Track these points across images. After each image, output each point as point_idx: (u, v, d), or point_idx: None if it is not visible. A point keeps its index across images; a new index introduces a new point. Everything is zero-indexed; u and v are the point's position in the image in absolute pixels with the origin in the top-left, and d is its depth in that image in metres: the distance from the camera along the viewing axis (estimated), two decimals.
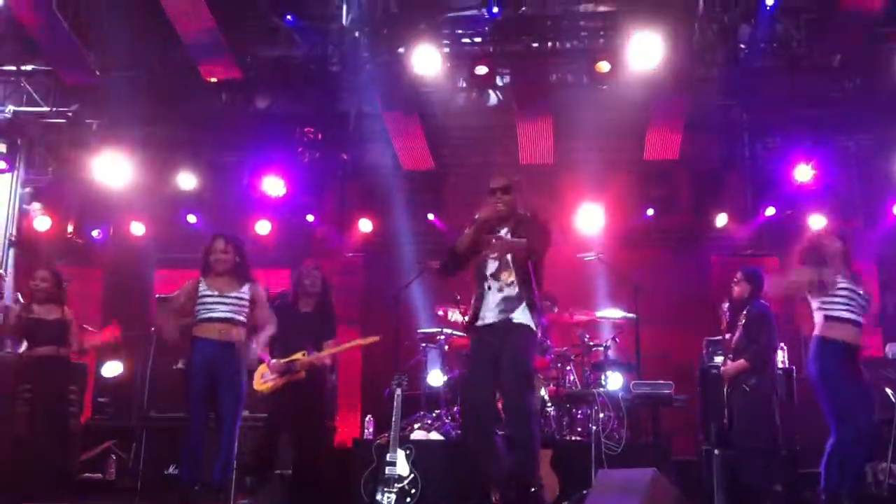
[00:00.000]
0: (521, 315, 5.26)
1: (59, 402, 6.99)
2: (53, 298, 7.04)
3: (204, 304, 6.15)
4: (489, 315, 5.30)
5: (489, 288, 5.32)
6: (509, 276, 5.28)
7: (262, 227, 10.25)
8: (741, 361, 6.85)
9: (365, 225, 10.37)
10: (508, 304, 5.26)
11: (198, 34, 8.69)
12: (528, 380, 5.33)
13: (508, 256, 5.28)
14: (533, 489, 4.98)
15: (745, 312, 6.99)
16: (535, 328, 5.29)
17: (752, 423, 6.77)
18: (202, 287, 6.20)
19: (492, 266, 5.32)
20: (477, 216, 5.33)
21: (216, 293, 6.16)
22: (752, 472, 6.66)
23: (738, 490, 6.82)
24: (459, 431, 7.78)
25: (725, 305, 7.35)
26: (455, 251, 5.42)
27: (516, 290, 5.26)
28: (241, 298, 6.21)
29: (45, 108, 10.14)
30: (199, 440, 6.01)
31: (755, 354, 6.82)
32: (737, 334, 7.02)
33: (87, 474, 7.80)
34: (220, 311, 6.13)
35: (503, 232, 5.39)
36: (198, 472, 6.01)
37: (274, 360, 6.65)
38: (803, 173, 9.16)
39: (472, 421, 5.34)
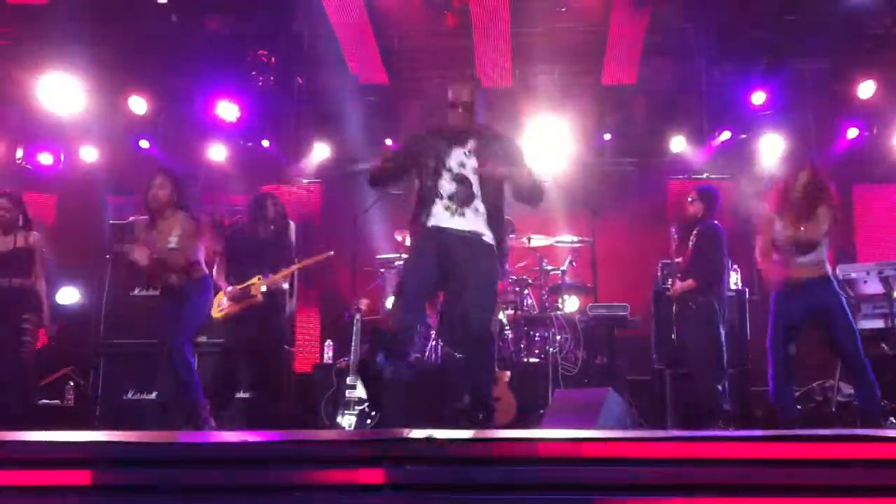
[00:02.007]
0: (488, 235, 4.83)
1: (14, 332, 6.91)
2: (15, 226, 6.94)
3: None
4: (445, 221, 4.79)
5: (446, 209, 4.80)
6: (476, 202, 4.81)
7: (217, 153, 10.11)
8: (689, 281, 6.81)
9: (321, 150, 10.27)
10: (475, 226, 4.80)
11: None
12: (494, 306, 5.16)
13: (476, 180, 4.81)
14: (489, 411, 4.79)
15: (695, 232, 6.95)
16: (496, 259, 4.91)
17: (698, 343, 6.82)
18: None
19: (449, 187, 4.80)
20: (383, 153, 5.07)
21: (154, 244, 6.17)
22: (703, 391, 6.78)
23: (691, 408, 6.97)
24: (418, 355, 7.87)
25: (673, 229, 7.37)
26: (381, 170, 5.03)
27: (483, 217, 4.81)
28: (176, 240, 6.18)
29: None
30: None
31: (702, 274, 6.77)
32: (687, 254, 7.03)
33: (44, 401, 7.78)
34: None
35: (464, 150, 4.87)
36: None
37: (230, 287, 6.64)
38: (758, 96, 9.20)
39: (402, 331, 4.81)
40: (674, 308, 7.06)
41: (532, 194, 4.94)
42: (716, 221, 6.94)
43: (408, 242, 8.47)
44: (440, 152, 4.86)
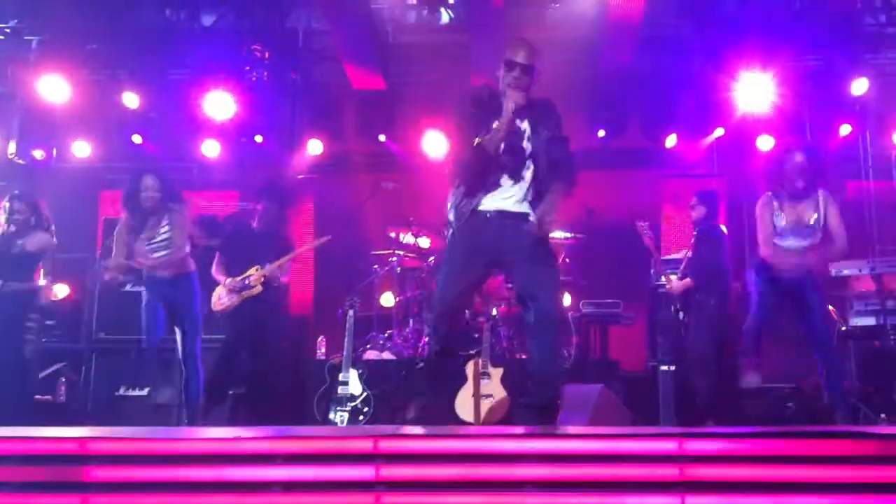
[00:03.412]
0: (533, 215, 4.48)
1: (18, 332, 6.97)
2: (27, 228, 7.00)
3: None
4: (498, 205, 4.45)
5: (500, 178, 4.44)
6: (528, 169, 4.48)
7: (210, 149, 10.06)
8: (687, 280, 7.07)
9: (315, 146, 10.24)
10: (525, 200, 4.49)
11: None
12: (559, 289, 4.87)
13: (527, 149, 4.46)
14: (548, 408, 4.41)
15: (695, 233, 7.17)
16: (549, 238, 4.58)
17: (706, 341, 6.94)
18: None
19: (505, 155, 4.44)
20: (509, 107, 4.35)
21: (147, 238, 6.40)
22: (702, 388, 6.85)
23: (689, 404, 7.02)
24: (411, 351, 7.87)
25: (644, 224, 7.50)
26: (484, 150, 4.36)
27: (535, 186, 4.48)
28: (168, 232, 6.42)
29: None
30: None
31: (701, 274, 7.01)
32: (689, 254, 7.22)
33: (37, 396, 7.76)
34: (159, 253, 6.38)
35: (522, 124, 4.54)
36: None
37: (229, 280, 6.71)
38: (753, 94, 9.18)
39: (448, 320, 4.55)
40: (674, 306, 7.18)
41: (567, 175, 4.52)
42: (718, 223, 7.17)
43: (402, 238, 8.51)
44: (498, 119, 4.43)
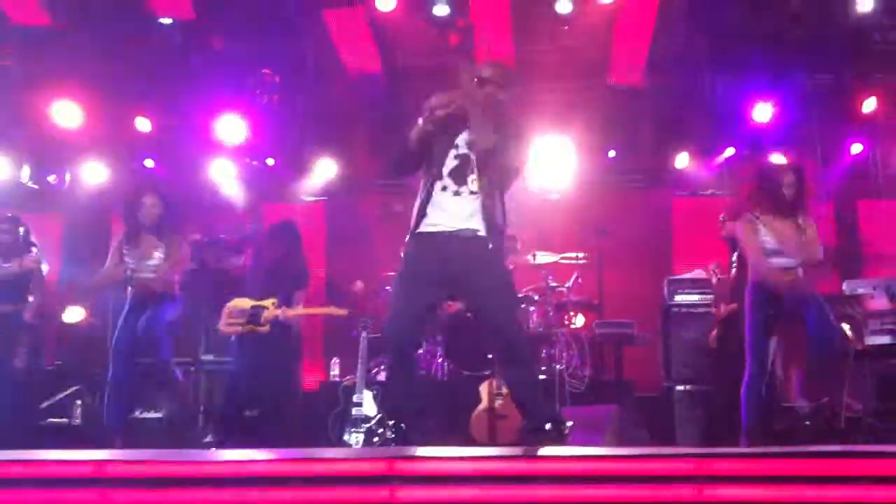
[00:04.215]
0: (485, 231, 4.31)
1: (6, 354, 7.02)
2: (15, 250, 7.03)
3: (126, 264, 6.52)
4: (443, 222, 4.32)
5: (444, 189, 4.34)
6: (473, 180, 4.33)
7: (222, 171, 10.10)
8: (734, 305, 6.74)
9: (325, 168, 10.28)
10: (472, 214, 4.31)
11: None
12: (518, 305, 4.71)
13: (474, 157, 4.34)
14: (551, 423, 4.27)
15: (737, 253, 6.85)
16: (502, 255, 4.51)
17: (735, 360, 6.82)
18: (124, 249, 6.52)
19: (451, 163, 4.37)
20: (431, 103, 4.35)
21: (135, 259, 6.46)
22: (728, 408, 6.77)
23: (711, 425, 6.96)
24: (424, 372, 7.85)
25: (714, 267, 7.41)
26: (408, 144, 4.43)
27: (481, 198, 4.31)
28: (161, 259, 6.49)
29: None
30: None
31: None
32: (732, 275, 6.95)
33: (52, 419, 7.77)
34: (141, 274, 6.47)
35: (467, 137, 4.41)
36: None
37: (239, 300, 6.71)
38: (762, 112, 9.20)
39: (397, 346, 4.35)
40: (716, 331, 7.10)
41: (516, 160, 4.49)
42: None
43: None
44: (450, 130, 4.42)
